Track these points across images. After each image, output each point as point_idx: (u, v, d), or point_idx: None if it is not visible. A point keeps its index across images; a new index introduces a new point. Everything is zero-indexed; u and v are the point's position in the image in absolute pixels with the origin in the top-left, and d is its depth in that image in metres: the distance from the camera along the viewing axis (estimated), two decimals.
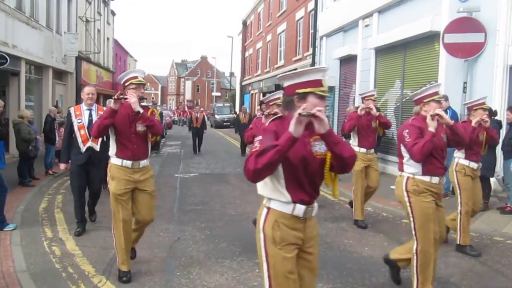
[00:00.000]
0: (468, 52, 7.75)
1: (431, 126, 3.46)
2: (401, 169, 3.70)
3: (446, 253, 4.70)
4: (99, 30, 23.51)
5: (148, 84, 70.21)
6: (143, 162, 4.02)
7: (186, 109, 44.62)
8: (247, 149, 14.31)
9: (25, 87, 13.20)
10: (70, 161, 5.43)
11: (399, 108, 10.41)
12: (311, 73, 2.26)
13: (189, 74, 78.07)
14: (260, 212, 2.41)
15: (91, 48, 21.21)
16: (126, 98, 3.84)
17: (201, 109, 17.67)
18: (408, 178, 3.58)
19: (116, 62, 29.38)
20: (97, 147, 5.33)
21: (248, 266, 4.42)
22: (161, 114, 14.50)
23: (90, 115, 5.36)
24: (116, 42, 29.53)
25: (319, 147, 2.30)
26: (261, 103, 11.86)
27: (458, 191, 4.75)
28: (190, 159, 13.60)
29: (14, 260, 4.42)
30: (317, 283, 2.46)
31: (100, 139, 5.23)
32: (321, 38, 15.23)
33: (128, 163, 3.93)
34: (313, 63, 14.96)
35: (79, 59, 18.62)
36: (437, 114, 3.47)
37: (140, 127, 3.93)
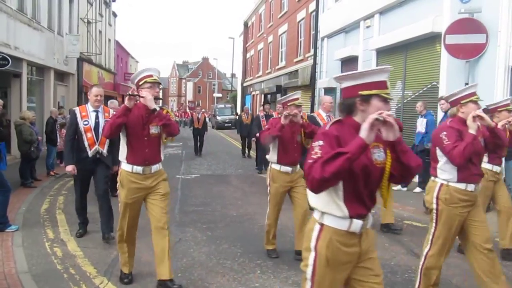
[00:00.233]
0: (470, 53, 7.75)
1: (472, 128, 3.24)
2: (434, 174, 3.49)
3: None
4: (100, 32, 23.56)
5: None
6: (155, 167, 3.80)
7: (187, 110, 44.65)
8: (251, 152, 14.32)
9: (27, 89, 13.24)
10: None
11: (401, 109, 10.41)
12: (376, 73, 2.10)
13: (190, 75, 78.14)
14: (311, 227, 2.21)
15: (92, 49, 21.26)
16: (141, 95, 3.63)
17: (202, 110, 17.67)
18: (441, 185, 3.38)
19: (117, 63, 29.45)
20: (104, 152, 5.10)
21: (249, 267, 4.42)
22: None
23: (97, 117, 5.10)
24: (117, 43, 29.60)
25: (378, 155, 2.14)
26: (264, 103, 11.92)
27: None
28: (192, 160, 13.61)
29: (16, 261, 4.43)
30: None
31: (107, 143, 5.10)
32: (323, 39, 15.23)
33: (139, 169, 3.71)
34: (314, 64, 14.95)
35: (81, 60, 18.66)
36: (478, 115, 3.26)
37: (154, 129, 3.72)
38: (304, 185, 4.68)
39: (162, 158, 3.91)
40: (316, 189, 1.98)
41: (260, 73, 28.29)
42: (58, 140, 10.05)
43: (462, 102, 3.39)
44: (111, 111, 5.28)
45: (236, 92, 42.03)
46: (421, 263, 3.47)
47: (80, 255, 4.72)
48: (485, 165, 4.63)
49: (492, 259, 3.28)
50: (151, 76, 3.74)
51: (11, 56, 11.21)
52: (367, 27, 11.96)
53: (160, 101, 4.21)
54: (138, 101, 3.70)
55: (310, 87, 15.97)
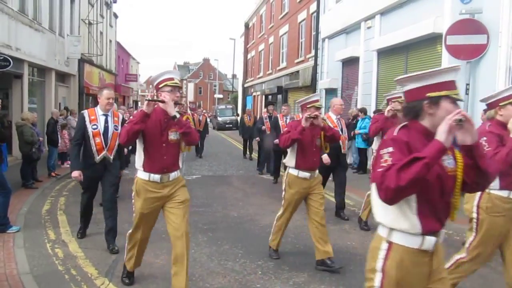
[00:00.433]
0: (471, 54, 7.74)
1: None
2: None
3: (449, 255, 4.68)
4: (101, 33, 23.61)
5: (150, 86, 70.23)
6: (174, 174, 3.56)
7: (188, 111, 44.69)
8: (252, 153, 14.32)
9: (28, 90, 13.26)
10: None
11: None
12: (445, 73, 1.94)
13: (191, 76, 78.19)
14: (377, 246, 2.02)
15: (93, 50, 21.30)
16: (162, 101, 3.37)
17: (203, 111, 17.64)
18: (482, 193, 3.18)
19: (118, 64, 29.50)
20: (111, 158, 4.89)
21: (250, 268, 4.43)
22: None
23: (106, 121, 4.85)
24: (118, 44, 29.66)
25: (448, 162, 1.97)
26: (267, 105, 11.88)
27: None
28: (193, 161, 13.61)
29: (17, 262, 4.43)
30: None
31: (115, 150, 4.91)
32: (323, 40, 15.24)
33: (156, 177, 3.49)
34: (315, 65, 14.96)
35: (82, 61, 18.70)
36: None
37: (172, 135, 3.50)
38: (322, 193, 4.54)
39: (181, 165, 3.69)
40: (391, 200, 1.81)
41: (261, 74, 28.29)
42: (59, 141, 10.06)
43: (500, 104, 3.20)
44: (121, 116, 5.14)
45: (237, 93, 42.07)
46: (448, 264, 3.30)
47: (81, 256, 4.72)
48: None
49: None
50: (172, 79, 3.52)
51: (12, 57, 11.23)
52: (368, 28, 11.96)
53: (182, 106, 4.03)
54: (156, 105, 3.50)
55: (311, 88, 15.99)
